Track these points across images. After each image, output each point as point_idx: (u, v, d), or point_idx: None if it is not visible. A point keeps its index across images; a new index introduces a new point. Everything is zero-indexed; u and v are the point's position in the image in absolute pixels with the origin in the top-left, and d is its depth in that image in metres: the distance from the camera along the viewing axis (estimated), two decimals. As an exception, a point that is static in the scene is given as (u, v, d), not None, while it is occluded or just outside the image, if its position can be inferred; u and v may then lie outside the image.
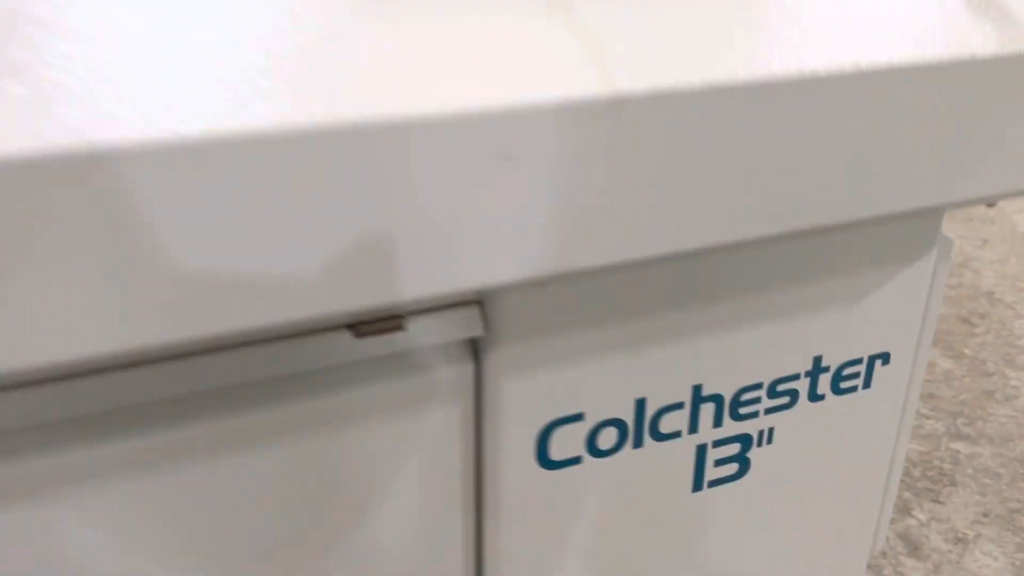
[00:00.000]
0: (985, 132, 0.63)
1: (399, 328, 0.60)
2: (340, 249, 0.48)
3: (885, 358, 0.79)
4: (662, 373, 0.70)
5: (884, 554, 1.26)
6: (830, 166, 0.58)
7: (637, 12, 0.54)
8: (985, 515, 1.33)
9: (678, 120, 0.51)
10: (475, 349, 0.65)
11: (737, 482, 0.78)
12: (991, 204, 0.75)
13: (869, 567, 1.24)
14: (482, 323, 0.62)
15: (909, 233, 0.74)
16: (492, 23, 0.51)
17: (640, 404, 0.70)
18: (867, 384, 0.79)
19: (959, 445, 1.48)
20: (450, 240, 0.49)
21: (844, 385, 0.78)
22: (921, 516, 1.33)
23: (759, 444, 0.77)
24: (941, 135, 0.61)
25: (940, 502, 1.36)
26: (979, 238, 2.25)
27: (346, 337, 0.59)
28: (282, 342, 0.58)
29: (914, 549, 1.26)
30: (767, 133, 0.54)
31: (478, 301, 0.62)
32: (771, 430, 0.77)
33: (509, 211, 0.51)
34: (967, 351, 1.75)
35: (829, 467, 0.82)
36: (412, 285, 0.50)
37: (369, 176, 0.46)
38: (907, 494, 1.38)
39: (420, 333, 0.61)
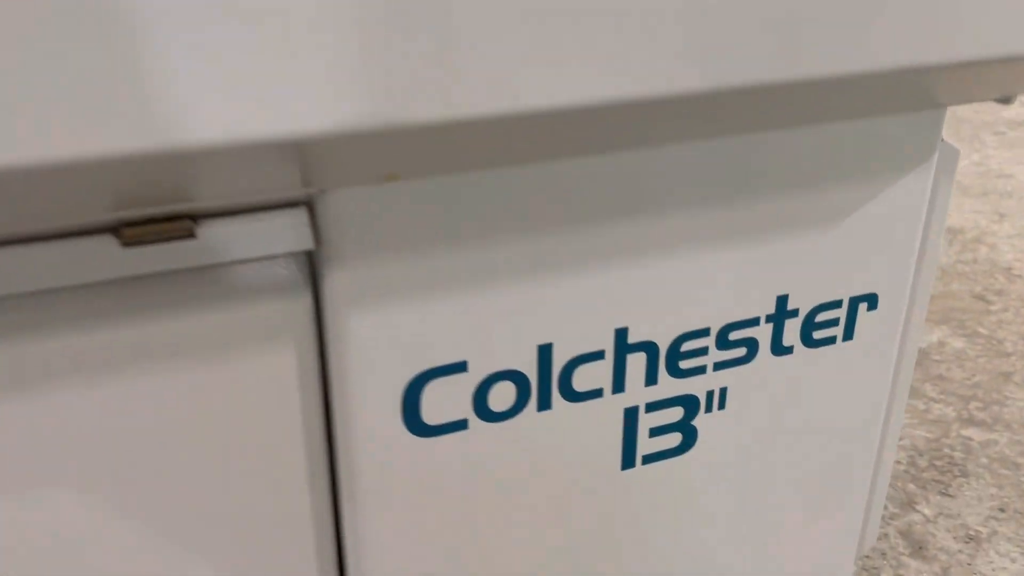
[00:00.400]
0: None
1: (186, 234, 0.43)
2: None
3: (871, 301, 0.62)
4: (573, 312, 0.53)
5: (883, 554, 1.09)
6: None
7: None
8: (1001, 510, 1.16)
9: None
10: (313, 271, 0.49)
11: (680, 457, 0.61)
12: (1006, 100, 0.58)
13: (865, 569, 1.07)
14: (312, 233, 0.46)
15: (900, 133, 0.57)
16: None
17: (544, 352, 0.54)
18: (848, 335, 0.62)
19: (972, 432, 1.31)
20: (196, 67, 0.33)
21: (818, 335, 0.61)
22: (927, 511, 1.16)
23: (707, 409, 0.60)
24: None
25: (949, 495, 1.19)
26: (996, 212, 2.07)
27: (111, 244, 0.43)
28: (24, 247, 0.42)
29: (918, 549, 1.09)
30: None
31: (305, 203, 0.46)
32: (723, 391, 0.60)
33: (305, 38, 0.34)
34: (982, 330, 1.58)
35: (801, 441, 0.65)
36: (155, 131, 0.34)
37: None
38: (911, 486, 1.21)
39: (220, 243, 0.44)
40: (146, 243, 0.43)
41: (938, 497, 1.20)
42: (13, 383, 0.44)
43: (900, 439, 1.30)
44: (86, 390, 0.45)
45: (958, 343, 1.55)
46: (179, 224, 0.43)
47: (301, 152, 0.38)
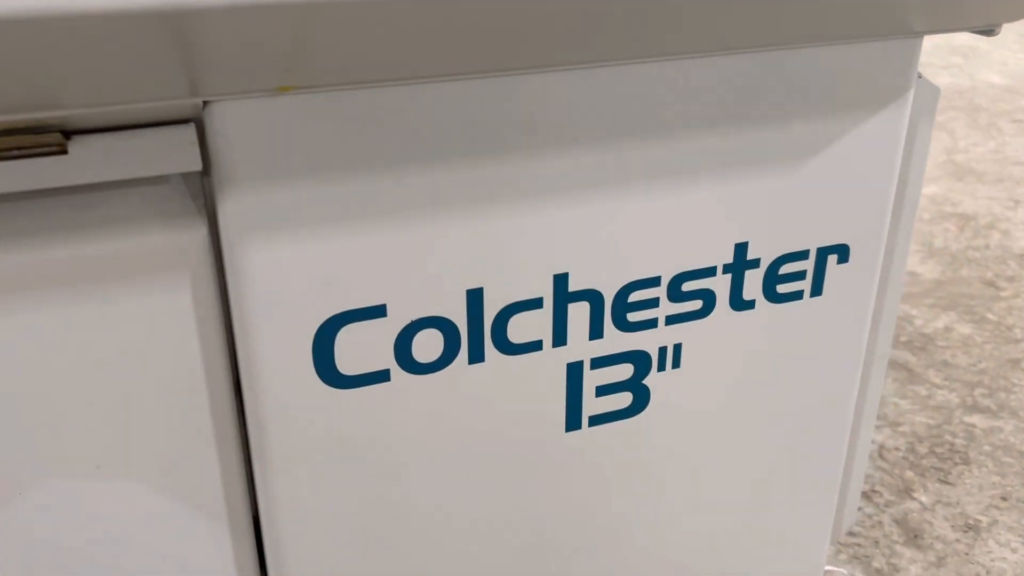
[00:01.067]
0: None
1: (55, 148, 0.39)
2: None
3: (842, 253, 0.57)
4: (505, 253, 0.49)
5: (876, 542, 1.04)
6: None
7: None
8: (1004, 499, 1.10)
9: None
10: (210, 203, 0.44)
11: (631, 420, 0.56)
12: (989, 32, 0.53)
13: (856, 557, 1.02)
14: (199, 151, 0.41)
15: (874, 64, 0.52)
16: None
17: (475, 297, 0.49)
18: (817, 290, 0.57)
19: (975, 419, 1.25)
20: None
21: (783, 289, 0.56)
22: (924, 499, 1.10)
23: (660, 367, 0.55)
24: None
25: (949, 483, 1.13)
26: (1011, 199, 2.00)
27: (-30, 158, 0.39)
28: None
29: (913, 537, 1.04)
30: None
31: (191, 119, 0.42)
32: (677, 348, 0.55)
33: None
34: (991, 316, 1.52)
35: (764, 407, 0.60)
36: None
37: None
38: (909, 473, 1.16)
39: (95, 160, 0.40)
40: (11, 158, 0.39)
41: (937, 485, 1.14)
42: None
43: (899, 425, 1.25)
44: (-53, 321, 0.40)
45: (965, 329, 1.49)
46: (48, 136, 0.39)
47: (173, 30, 0.33)
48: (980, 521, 1.07)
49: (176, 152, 0.41)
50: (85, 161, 0.40)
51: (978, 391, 1.32)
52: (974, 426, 1.25)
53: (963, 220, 1.91)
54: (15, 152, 0.39)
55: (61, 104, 0.38)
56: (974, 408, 1.28)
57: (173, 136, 0.41)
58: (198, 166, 0.41)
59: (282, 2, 0.31)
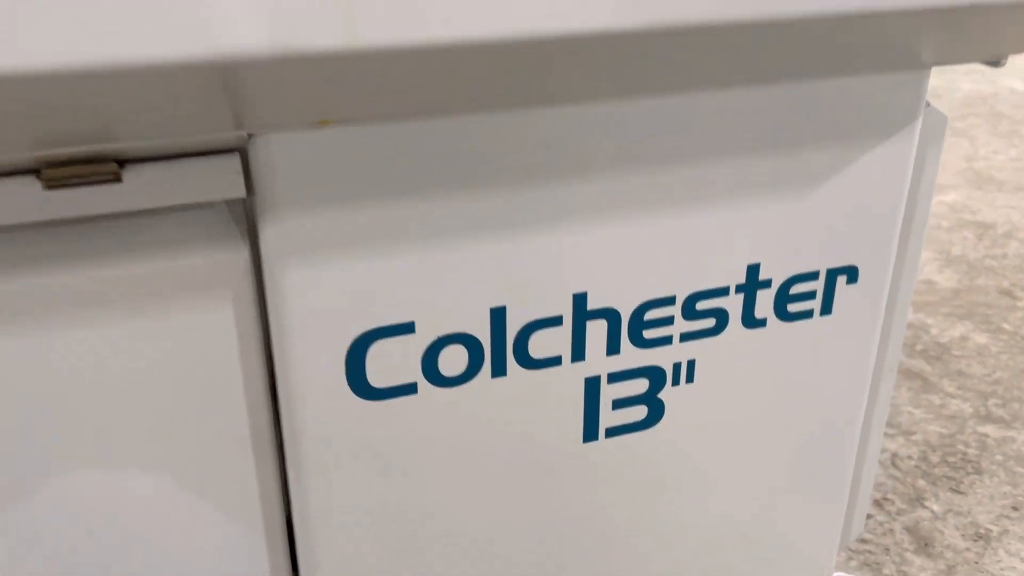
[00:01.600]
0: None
1: (111, 177, 0.42)
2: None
3: (851, 274, 0.59)
4: (527, 274, 0.51)
5: (887, 550, 1.06)
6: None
7: None
8: (1015, 508, 1.11)
9: None
10: (252, 226, 0.47)
11: (646, 432, 0.59)
12: (996, 63, 0.55)
13: (867, 564, 1.04)
14: (243, 180, 0.44)
15: (882, 94, 0.54)
16: None
17: (498, 316, 0.52)
18: (826, 309, 0.59)
19: (988, 428, 1.26)
20: None
21: (793, 308, 0.58)
22: (936, 508, 1.12)
23: (675, 382, 0.58)
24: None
25: (960, 492, 1.15)
26: (1030, 208, 2.01)
27: (33, 185, 0.42)
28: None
29: (924, 546, 1.05)
30: None
31: (238, 150, 0.45)
32: (691, 364, 0.58)
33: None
34: (1007, 326, 1.53)
35: (776, 420, 0.62)
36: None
37: None
38: (921, 482, 1.17)
39: (147, 188, 0.43)
40: (69, 186, 0.42)
41: (948, 494, 1.15)
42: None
43: (912, 434, 1.26)
44: (9, 337, 0.44)
45: (981, 338, 1.50)
46: (104, 166, 0.42)
47: (221, 79, 0.36)
48: (991, 530, 1.09)
49: (222, 180, 0.44)
50: (138, 189, 0.43)
51: (992, 401, 1.33)
52: (987, 436, 1.26)
53: (981, 229, 1.92)
54: (74, 180, 0.42)
55: (118, 138, 0.41)
56: (987, 418, 1.30)
57: (220, 165, 0.44)
58: (243, 193, 0.44)
59: (323, 53, 0.34)
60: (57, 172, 0.41)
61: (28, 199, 0.42)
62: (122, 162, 0.43)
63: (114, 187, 0.43)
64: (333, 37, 0.33)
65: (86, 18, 0.31)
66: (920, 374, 1.40)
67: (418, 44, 0.34)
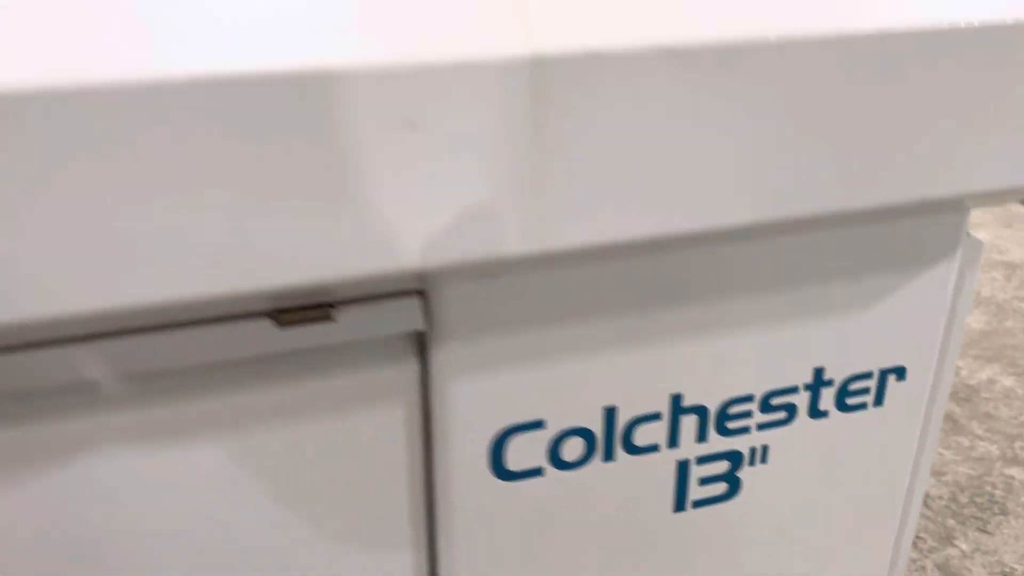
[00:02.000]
0: (1013, 107, 0.54)
1: (327, 318, 0.54)
2: (243, 223, 0.43)
3: (900, 373, 0.70)
4: (635, 379, 0.63)
5: (920, 585, 1.16)
6: (820, 143, 0.50)
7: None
8: (1038, 549, 1.21)
9: (626, 84, 0.45)
10: (421, 345, 0.59)
11: (727, 503, 0.70)
12: (1027, 203, 0.66)
13: (902, 599, 1.14)
14: (423, 316, 0.56)
15: (928, 231, 0.65)
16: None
17: (610, 413, 0.64)
18: (878, 401, 0.71)
19: (1015, 471, 1.36)
20: (368, 214, 0.44)
21: (851, 402, 0.70)
22: (964, 547, 1.22)
23: (751, 463, 0.69)
24: (960, 110, 0.53)
25: (988, 532, 1.25)
26: (1057, 249, 2.10)
27: (268, 326, 0.54)
28: (199, 328, 0.53)
29: (954, 582, 1.16)
30: (734, 101, 0.47)
31: (419, 291, 0.56)
32: (765, 448, 0.69)
33: (435, 187, 0.45)
34: (1033, 369, 1.62)
35: (835, 492, 0.73)
36: (324, 264, 0.45)
37: (270, 128, 0.41)
38: (951, 521, 1.28)
39: (353, 325, 0.55)
40: (297, 325, 0.54)
41: (976, 533, 1.26)
42: (182, 437, 0.55)
43: (943, 475, 1.37)
44: (239, 441, 0.56)
45: (1008, 381, 1.60)
46: (323, 311, 0.54)
47: (420, 276, 0.48)
48: (1015, 570, 1.19)
49: (408, 317, 0.56)
50: (346, 325, 0.55)
51: (1018, 444, 1.43)
52: (1013, 478, 1.36)
53: (1010, 269, 2.01)
54: (302, 321, 0.54)
55: (336, 294, 0.53)
56: (1014, 460, 1.40)
57: (406, 306, 0.56)
58: (423, 327, 0.56)
59: (506, 258, 0.46)
60: (291, 316, 0.53)
61: (264, 337, 0.54)
62: (333, 305, 0.55)
63: (328, 324, 0.55)
64: (515, 245, 0.45)
65: (346, 239, 0.43)
66: (950, 416, 1.50)
67: (588, 245, 0.46)
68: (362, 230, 0.46)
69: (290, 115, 0.42)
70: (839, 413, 0.70)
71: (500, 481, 0.63)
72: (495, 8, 0.44)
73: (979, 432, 1.46)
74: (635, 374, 0.63)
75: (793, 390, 0.68)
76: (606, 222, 0.47)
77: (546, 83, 0.42)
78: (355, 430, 0.59)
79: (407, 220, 0.46)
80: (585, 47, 0.41)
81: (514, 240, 0.45)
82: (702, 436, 0.67)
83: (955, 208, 0.64)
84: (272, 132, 0.42)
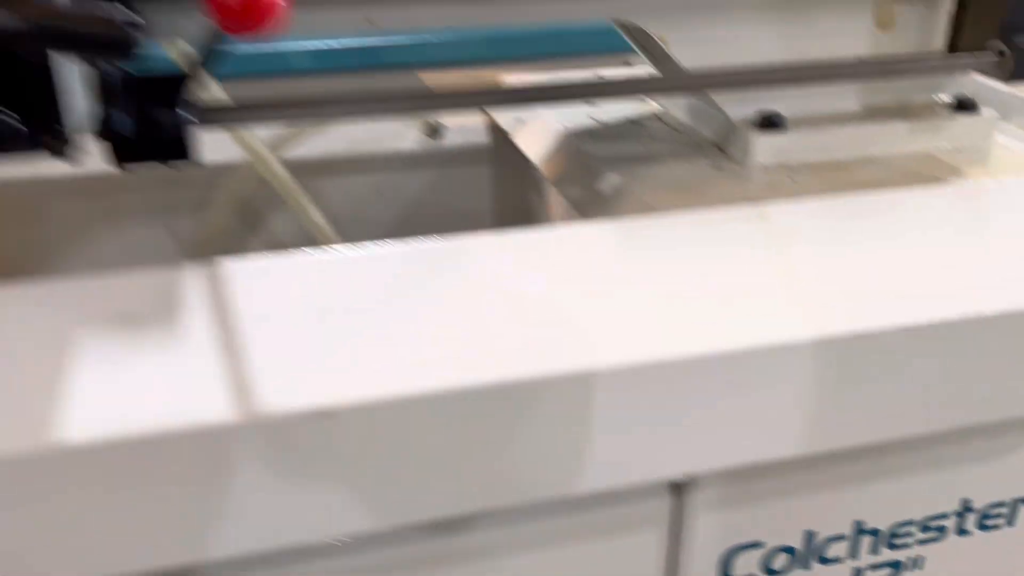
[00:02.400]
0: None
1: (622, 479, 0.75)
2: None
3: (1027, 501, 0.89)
4: (830, 512, 0.83)
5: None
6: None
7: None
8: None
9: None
10: (677, 487, 0.80)
11: (889, 600, 0.90)
12: None
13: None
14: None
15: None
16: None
17: (809, 535, 0.84)
18: (1010, 522, 0.90)
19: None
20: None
21: (989, 523, 0.89)
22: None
23: (910, 569, 0.89)
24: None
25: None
26: None
27: (580, 484, 0.75)
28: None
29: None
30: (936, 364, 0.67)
31: (684, 456, 0.77)
32: (920, 559, 0.89)
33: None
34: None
35: (972, 586, 0.93)
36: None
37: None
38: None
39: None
40: (600, 484, 0.75)
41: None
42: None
43: None
44: (553, 557, 0.77)
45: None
46: (619, 474, 0.75)
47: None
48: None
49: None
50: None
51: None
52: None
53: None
54: (603, 482, 0.75)
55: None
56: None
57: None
58: (684, 479, 0.77)
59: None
60: (599, 480, 0.74)
61: (578, 492, 0.75)
62: (624, 468, 0.75)
63: (621, 483, 0.75)
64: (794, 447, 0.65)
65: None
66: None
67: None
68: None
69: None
70: (980, 532, 0.89)
71: (725, 586, 0.84)
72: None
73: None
74: (831, 508, 0.83)
75: (946, 516, 0.87)
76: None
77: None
78: (619, 553, 0.79)
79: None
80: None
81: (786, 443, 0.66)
82: (874, 550, 0.87)
83: None
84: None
